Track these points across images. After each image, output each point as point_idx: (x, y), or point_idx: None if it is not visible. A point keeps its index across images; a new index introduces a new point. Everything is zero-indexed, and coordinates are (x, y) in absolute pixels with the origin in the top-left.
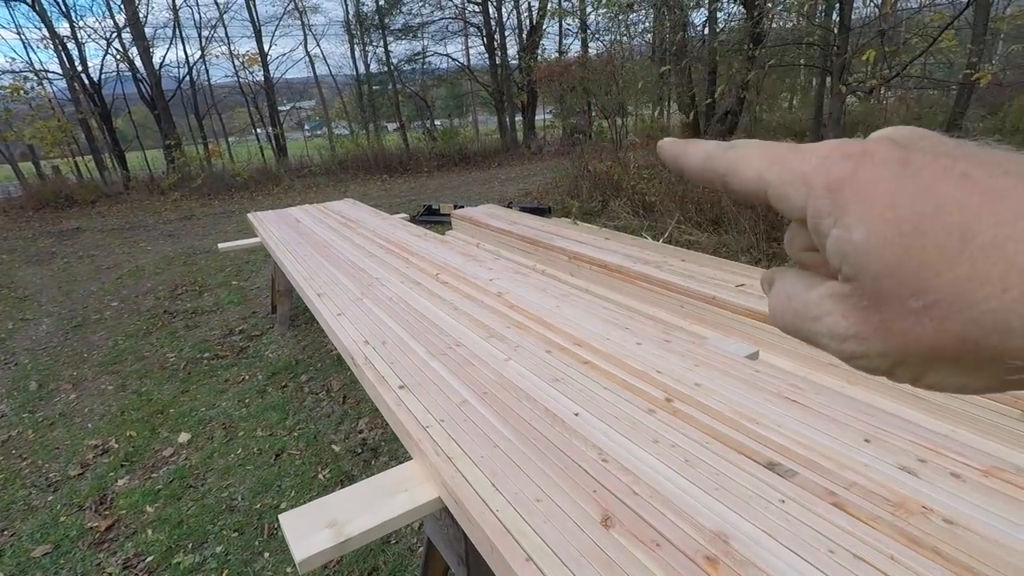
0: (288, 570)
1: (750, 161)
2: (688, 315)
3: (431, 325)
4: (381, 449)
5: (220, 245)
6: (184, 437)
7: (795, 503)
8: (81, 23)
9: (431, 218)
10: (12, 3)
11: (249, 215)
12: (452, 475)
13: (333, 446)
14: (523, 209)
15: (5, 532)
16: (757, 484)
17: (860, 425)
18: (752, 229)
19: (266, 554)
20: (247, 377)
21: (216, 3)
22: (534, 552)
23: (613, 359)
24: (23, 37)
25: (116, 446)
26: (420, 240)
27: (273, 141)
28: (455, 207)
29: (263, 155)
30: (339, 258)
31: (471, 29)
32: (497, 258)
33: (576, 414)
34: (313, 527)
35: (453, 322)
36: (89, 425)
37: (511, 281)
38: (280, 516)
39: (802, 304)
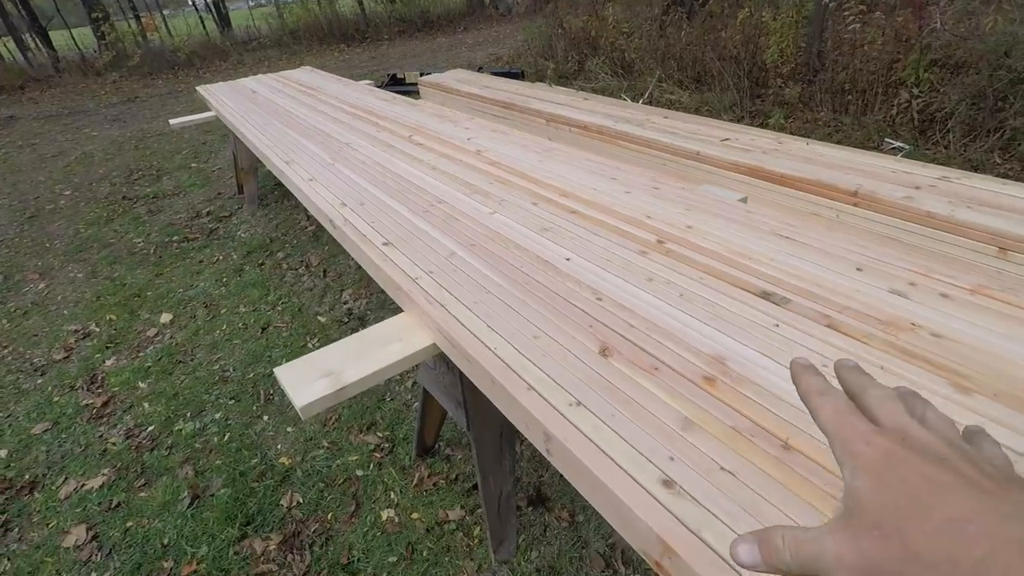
0: (288, 429)
1: (831, 416)
2: (672, 173)
3: (410, 185)
4: (368, 318)
5: (172, 121)
6: (166, 317)
7: (790, 327)
8: None
9: (397, 88)
10: None
11: (199, 88)
12: (446, 320)
13: (319, 317)
14: (495, 74)
15: (0, 413)
16: (752, 312)
17: (852, 256)
18: (736, 86)
19: (265, 417)
20: (221, 257)
21: None
22: (535, 382)
23: (602, 208)
24: None
25: (97, 330)
26: (389, 104)
27: (214, 11)
28: (421, 75)
29: (204, 27)
30: (303, 126)
31: None
32: (472, 118)
33: (567, 259)
34: (310, 377)
35: (433, 181)
36: (65, 312)
37: (490, 139)
38: (275, 369)
39: (800, 530)
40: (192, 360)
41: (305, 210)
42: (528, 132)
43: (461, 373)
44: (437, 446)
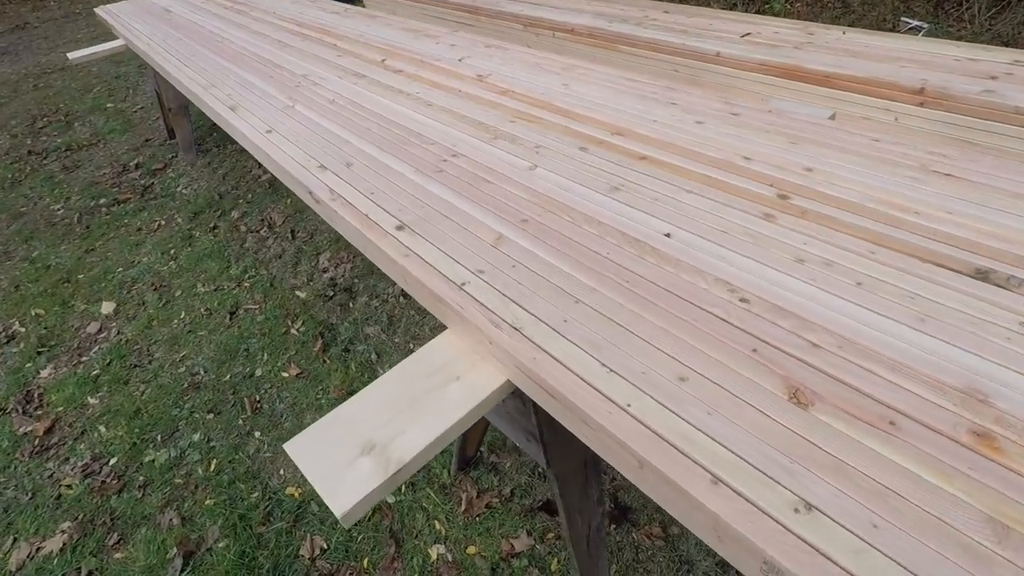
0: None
1: None
2: (684, 79)
3: (405, 132)
4: (356, 288)
5: (70, 55)
6: (108, 307)
7: None
8: None
9: None
10: None
11: (98, 10)
12: (531, 356)
13: (297, 292)
14: None
15: None
16: (977, 305)
17: None
18: None
19: (256, 433)
20: (163, 222)
21: None
22: (716, 466)
23: (677, 149)
24: None
25: (23, 330)
26: (342, 18)
27: None
28: None
29: None
30: (241, 55)
31: None
32: (456, 31)
33: (667, 235)
34: (342, 457)
35: (434, 123)
36: None
37: (487, 59)
38: (286, 446)
39: None
40: (150, 362)
41: None
42: (501, 41)
43: (534, 403)
44: (479, 452)
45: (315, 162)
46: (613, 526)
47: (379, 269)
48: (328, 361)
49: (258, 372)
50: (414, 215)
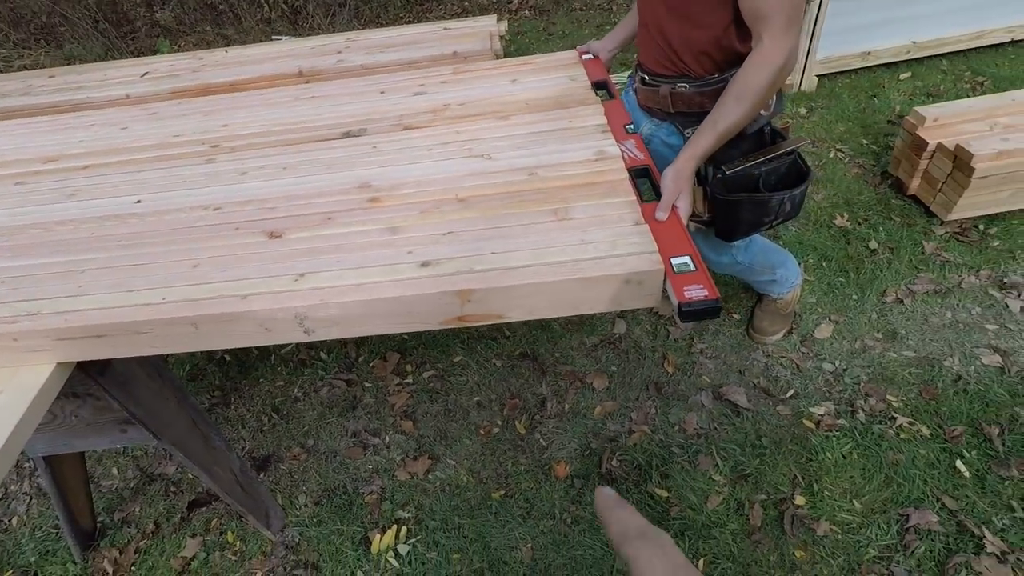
0: None
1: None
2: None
3: None
4: None
5: None
6: None
7: (384, 144)
8: None
9: None
10: None
11: None
12: (63, 319)
13: None
14: None
15: None
16: (352, 149)
17: (363, 90)
18: (97, 29)
19: None
20: None
21: None
22: (238, 291)
23: (113, 150)
24: None
25: None
26: None
27: None
28: None
29: None
30: None
31: None
32: None
33: (138, 201)
34: None
35: None
36: None
37: None
38: None
39: None
40: None
41: None
42: None
43: (104, 384)
44: (98, 523)
45: None
46: (264, 474)
47: None
48: None
49: None
50: None
